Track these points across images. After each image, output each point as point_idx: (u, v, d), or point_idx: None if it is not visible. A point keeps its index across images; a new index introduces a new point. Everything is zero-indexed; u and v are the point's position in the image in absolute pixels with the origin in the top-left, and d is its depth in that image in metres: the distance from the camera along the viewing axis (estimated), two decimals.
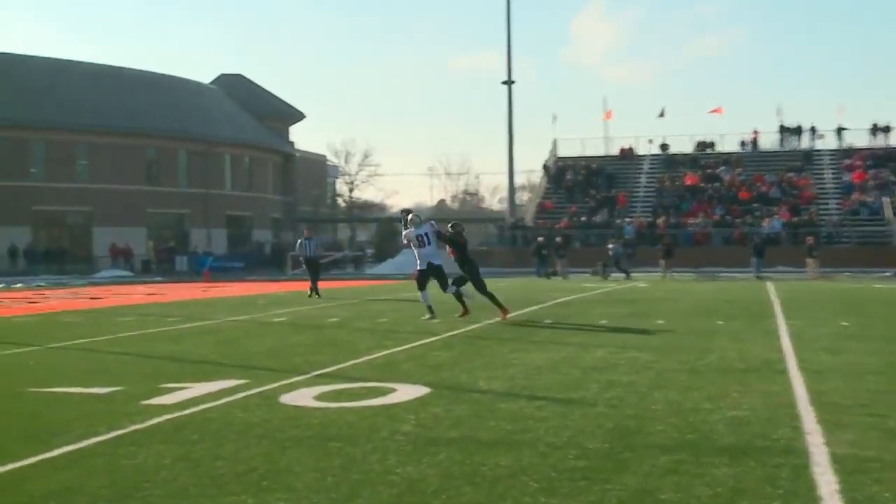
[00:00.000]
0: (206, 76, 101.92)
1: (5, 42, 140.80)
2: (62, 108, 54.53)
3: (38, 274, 46.50)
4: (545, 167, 59.82)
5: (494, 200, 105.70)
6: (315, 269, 23.56)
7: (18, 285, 33.59)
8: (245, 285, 34.10)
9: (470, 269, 15.28)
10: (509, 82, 57.44)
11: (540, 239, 40.34)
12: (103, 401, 7.19)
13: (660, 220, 49.05)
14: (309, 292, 22.96)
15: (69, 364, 9.79)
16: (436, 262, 15.30)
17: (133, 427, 6.06)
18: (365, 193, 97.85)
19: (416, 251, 15.33)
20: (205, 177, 60.39)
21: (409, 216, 15.41)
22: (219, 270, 47.67)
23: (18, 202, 52.10)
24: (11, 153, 52.37)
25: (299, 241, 24.51)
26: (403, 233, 15.43)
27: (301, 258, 24.33)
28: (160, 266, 54.59)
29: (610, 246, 37.93)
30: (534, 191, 64.88)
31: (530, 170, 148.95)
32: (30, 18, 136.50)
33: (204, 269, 45.73)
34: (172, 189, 58.88)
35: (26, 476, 4.80)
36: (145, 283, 37.07)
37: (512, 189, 59.92)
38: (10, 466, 4.99)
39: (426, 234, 15.21)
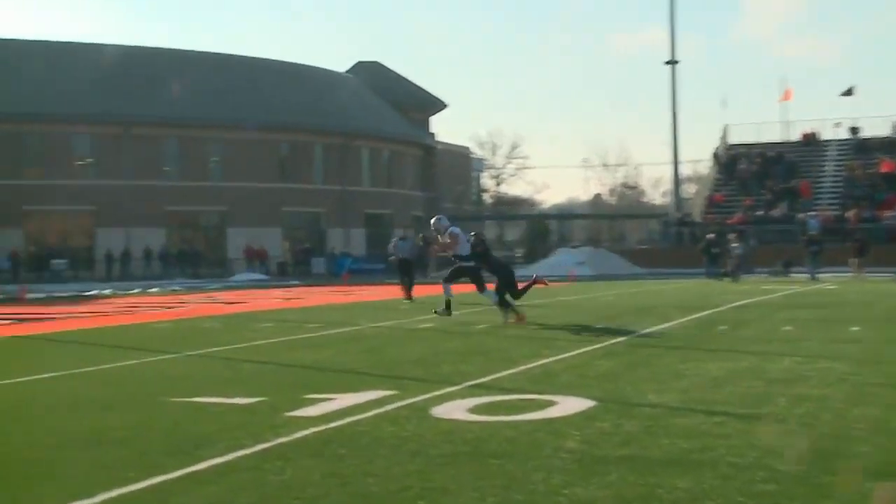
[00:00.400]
0: (341, 65, 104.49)
1: (133, 34, 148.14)
2: (194, 103, 56.90)
3: (172, 277, 48.73)
4: (715, 156, 58.46)
5: (657, 194, 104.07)
6: (409, 272, 23.83)
7: (154, 290, 35.26)
8: (386, 289, 34.66)
9: (502, 272, 16.24)
10: (673, 62, 56.41)
11: (710, 236, 39.43)
12: (246, 412, 7.45)
13: (850, 214, 47.14)
14: (408, 298, 23.16)
15: (209, 373, 10.20)
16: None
17: (278, 440, 6.24)
18: (513, 188, 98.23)
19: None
20: (342, 173, 61.87)
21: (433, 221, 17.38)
22: (358, 272, 48.74)
23: (152, 203, 54.67)
24: (145, 151, 54.99)
25: (393, 240, 24.88)
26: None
27: (394, 258, 24.68)
28: (296, 268, 56.28)
29: (734, 245, 36.89)
30: (702, 182, 63.53)
31: (697, 159, 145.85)
32: (147, 8, 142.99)
33: (343, 271, 46.90)
34: (308, 186, 60.57)
35: (173, 490, 5.02)
36: (282, 286, 38.22)
37: (677, 181, 58.86)
38: (156, 480, 5.22)
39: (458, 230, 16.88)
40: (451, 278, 17.25)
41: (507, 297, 16.11)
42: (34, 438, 6.58)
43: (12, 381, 9.71)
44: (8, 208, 50.94)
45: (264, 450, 5.96)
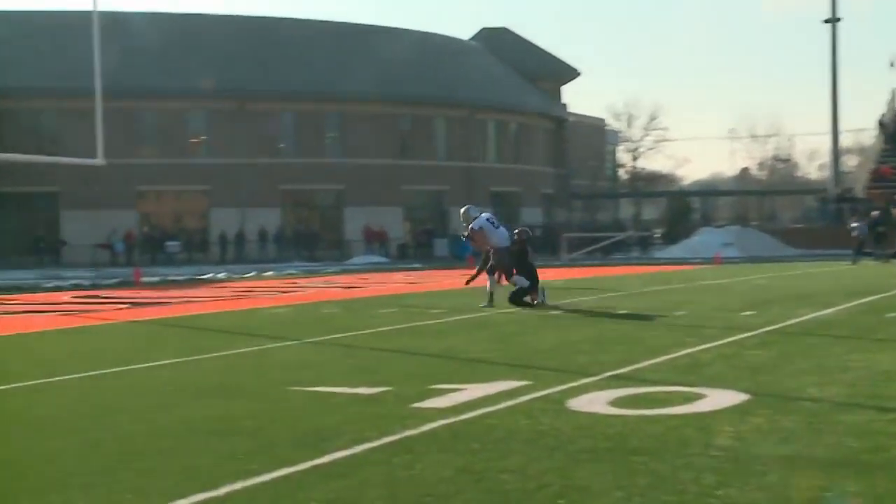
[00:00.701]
0: (465, 32, 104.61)
1: (246, 4, 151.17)
2: (310, 75, 57.86)
3: (288, 260, 49.81)
4: (881, 124, 56.45)
5: (812, 167, 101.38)
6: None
7: (269, 273, 36.12)
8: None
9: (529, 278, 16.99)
10: (833, 20, 54.61)
11: (874, 213, 38.17)
12: (371, 402, 7.58)
13: None
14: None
15: (331, 361, 10.41)
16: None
17: (406, 433, 6.33)
18: (651, 163, 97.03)
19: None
20: (466, 148, 62.07)
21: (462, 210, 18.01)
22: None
23: (267, 181, 55.89)
24: (260, 128, 56.19)
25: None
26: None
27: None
28: (417, 250, 56.81)
29: (854, 225, 35.50)
30: (865, 154, 61.52)
31: (860, 128, 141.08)
32: None
33: (467, 253, 47.04)
34: (430, 163, 60.94)
35: (300, 484, 5.14)
36: (402, 269, 38.66)
37: (836, 152, 57.11)
38: (283, 472, 5.36)
39: (489, 218, 17.53)
40: (510, 273, 17.37)
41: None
42: (157, 427, 6.82)
43: (131, 367, 10.09)
44: (121, 188, 52.75)
45: (391, 443, 6.05)
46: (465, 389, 7.98)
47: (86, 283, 30.18)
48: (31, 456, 6.02)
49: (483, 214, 17.83)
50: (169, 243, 52.22)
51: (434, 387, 8.18)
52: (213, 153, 56.01)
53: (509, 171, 64.91)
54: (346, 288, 25.63)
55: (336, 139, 58.91)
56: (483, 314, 15.86)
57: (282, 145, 57.91)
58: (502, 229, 17.64)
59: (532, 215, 65.51)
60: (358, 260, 50.02)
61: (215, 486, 5.06)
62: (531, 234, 18.12)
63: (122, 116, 50.80)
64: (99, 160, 26.81)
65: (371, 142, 58.22)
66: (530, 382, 8.28)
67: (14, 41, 54.26)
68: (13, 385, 8.94)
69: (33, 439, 6.53)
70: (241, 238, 53.88)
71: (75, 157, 31.79)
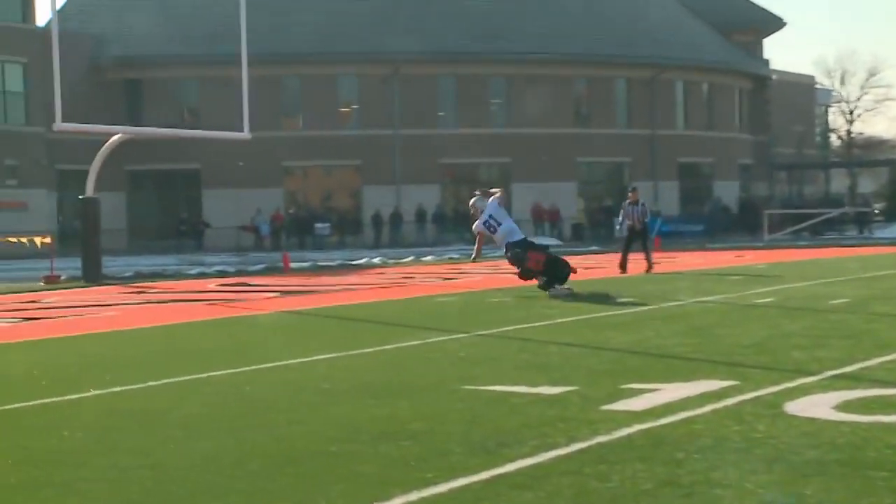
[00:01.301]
0: None
1: None
2: (471, 34, 57.96)
3: (449, 243, 50.19)
4: None
5: None
6: (643, 240, 24.75)
7: (428, 258, 36.48)
8: (706, 255, 34.19)
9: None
10: None
11: None
12: (554, 403, 7.56)
13: None
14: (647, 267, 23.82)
15: (506, 356, 10.43)
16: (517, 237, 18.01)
17: (597, 439, 6.27)
18: (870, 127, 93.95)
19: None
20: (650, 113, 61.27)
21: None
22: (671, 235, 48.27)
23: (425, 155, 56.42)
24: (416, 93, 56.68)
25: (623, 204, 25.52)
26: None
27: (623, 227, 25.46)
28: (594, 231, 56.44)
29: None
30: None
31: None
32: None
33: (652, 233, 46.47)
34: (608, 131, 60.40)
35: (480, 495, 5.13)
36: (577, 252, 38.41)
37: None
38: (460, 482, 5.36)
39: (490, 216, 18.10)
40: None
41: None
42: (315, 429, 6.94)
43: (284, 363, 10.32)
44: (266, 164, 54.10)
45: (581, 450, 6.01)
46: (662, 390, 7.89)
47: (231, 269, 31.07)
48: (184, 459, 6.20)
49: (488, 209, 18.48)
50: (318, 225, 53.27)
51: (625, 386, 8.12)
52: (364, 124, 56.88)
53: (700, 139, 63.74)
54: (515, 275, 25.67)
55: (501, 106, 59.00)
56: (675, 303, 15.63)
57: (441, 114, 58.34)
58: (507, 222, 18.41)
59: (727, 189, 64.21)
60: None
61: (387, 497, 5.10)
62: None
63: (267, 85, 51.99)
64: (245, 134, 27.53)
65: (541, 108, 58.01)
66: (737, 382, 8.12)
67: (150, 5, 56.19)
68: (161, 381, 9.24)
69: (185, 441, 6.72)
70: (396, 218, 54.50)
71: (218, 130, 32.69)
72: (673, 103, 63.20)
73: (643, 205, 24.82)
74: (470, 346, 11.30)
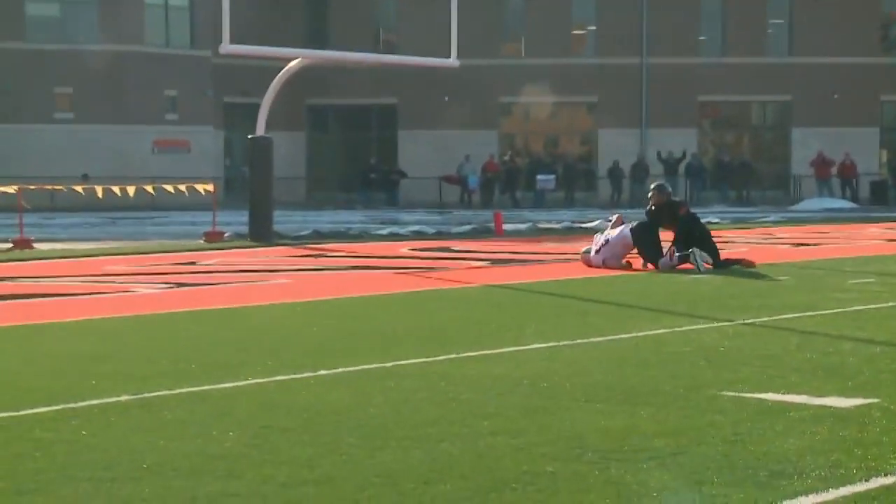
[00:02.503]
0: None
1: None
2: None
3: (708, 203, 49.27)
4: None
5: None
6: None
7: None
8: None
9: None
10: None
11: None
12: (848, 421, 7.32)
13: None
14: None
15: (783, 353, 10.13)
16: None
17: None
18: None
19: None
20: None
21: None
22: None
23: (678, 90, 55.28)
24: (673, 12, 55.35)
25: None
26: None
27: None
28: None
29: None
30: None
31: None
32: None
33: None
34: None
35: None
36: (879, 220, 37.23)
37: None
38: None
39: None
40: None
41: None
42: (529, 443, 6.78)
43: (490, 352, 10.25)
44: (478, 100, 54.20)
45: (885, 487, 5.74)
46: None
47: (430, 230, 31.24)
48: (358, 474, 6.11)
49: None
50: (541, 177, 52.98)
51: None
52: (603, 50, 56.38)
53: None
54: (794, 245, 25.03)
55: (781, 28, 57.61)
56: None
57: (702, 38, 57.37)
58: None
59: None
60: (809, 204, 48.70)
61: None
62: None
63: (482, 0, 52.01)
64: (452, 61, 27.51)
65: (833, 32, 56.28)
66: None
67: None
68: (335, 370, 9.22)
69: (360, 450, 6.63)
70: (640, 170, 53.76)
71: (420, 56, 32.81)
72: None
73: None
74: (735, 338, 11.05)
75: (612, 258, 18.52)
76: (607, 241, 18.65)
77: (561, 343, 10.65)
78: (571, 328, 11.65)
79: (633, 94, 55.39)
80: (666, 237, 18.80)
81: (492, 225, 31.34)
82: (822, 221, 36.97)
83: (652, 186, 19.75)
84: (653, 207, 18.95)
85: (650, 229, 18.77)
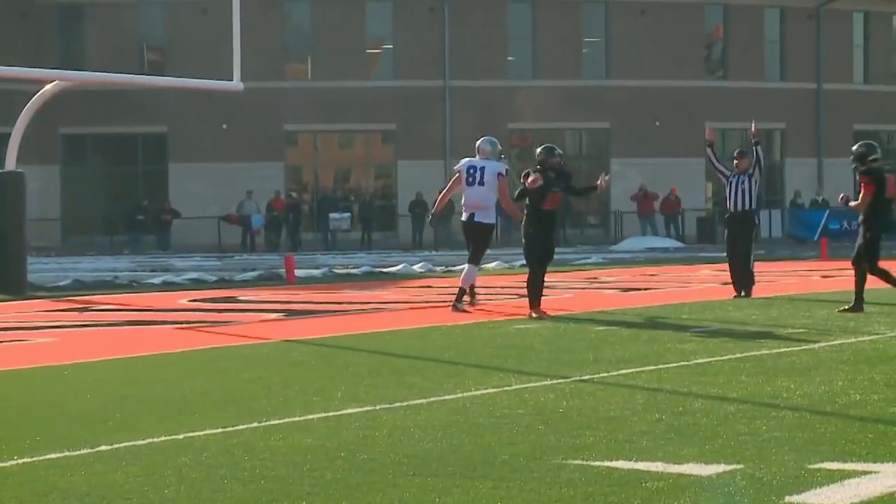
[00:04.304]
0: None
1: None
2: None
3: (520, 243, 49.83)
4: None
5: None
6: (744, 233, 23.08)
7: (493, 264, 36.15)
8: None
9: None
10: None
11: None
12: (712, 491, 7.40)
13: None
14: None
15: (629, 414, 10.20)
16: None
17: None
18: None
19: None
20: (814, 59, 60.49)
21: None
22: (841, 236, 47.77)
23: (486, 117, 55.46)
24: (479, 30, 55.93)
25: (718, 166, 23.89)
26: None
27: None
28: None
29: None
30: None
31: None
32: None
33: (815, 233, 46.12)
34: (753, 84, 59.59)
35: None
36: (704, 260, 38.05)
37: None
38: None
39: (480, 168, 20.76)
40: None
41: None
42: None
43: (297, 419, 10.06)
44: (262, 128, 53.85)
45: None
46: (876, 473, 7.67)
47: (210, 277, 30.94)
48: None
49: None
50: (334, 216, 52.90)
51: (816, 466, 7.91)
52: (401, 72, 56.48)
53: (885, 97, 62.68)
54: (623, 291, 25.44)
55: (597, 48, 58.49)
56: (869, 338, 15.35)
57: (511, 58, 57.89)
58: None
59: None
60: (632, 243, 49.58)
61: None
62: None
63: (266, 17, 51.82)
64: (235, 84, 27.25)
65: (655, 53, 57.25)
66: None
67: None
68: (115, 445, 8.97)
69: None
70: (444, 206, 53.92)
71: (195, 77, 32.51)
72: (847, 45, 62.27)
73: (750, 176, 22.93)
74: (573, 398, 11.06)
75: None
76: None
77: (378, 407, 10.57)
78: (388, 389, 11.60)
79: (435, 121, 55.53)
80: None
81: (281, 271, 31.20)
82: (648, 263, 37.73)
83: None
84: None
85: None
